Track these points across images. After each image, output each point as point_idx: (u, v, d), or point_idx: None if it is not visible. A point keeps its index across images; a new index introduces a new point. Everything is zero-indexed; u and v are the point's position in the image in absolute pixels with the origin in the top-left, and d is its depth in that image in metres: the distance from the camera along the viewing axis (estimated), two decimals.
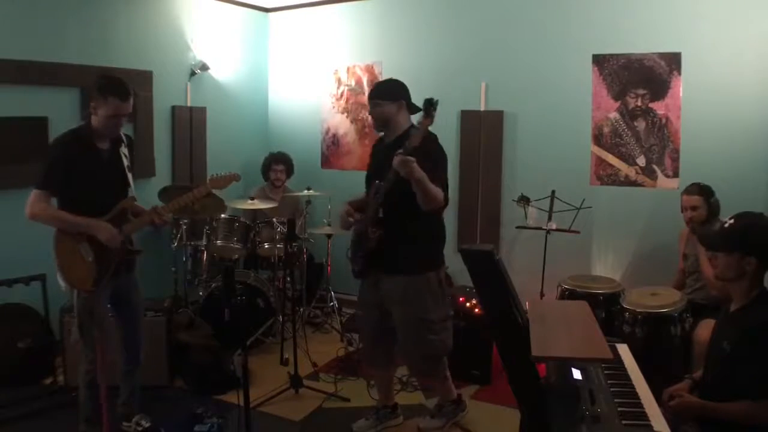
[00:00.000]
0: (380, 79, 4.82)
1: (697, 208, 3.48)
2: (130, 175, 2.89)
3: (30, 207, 2.67)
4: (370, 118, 3.12)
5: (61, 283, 2.76)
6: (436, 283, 2.98)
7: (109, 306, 2.93)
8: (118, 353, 3.00)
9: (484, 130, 4.68)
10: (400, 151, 2.67)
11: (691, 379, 2.30)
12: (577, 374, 1.98)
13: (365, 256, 3.00)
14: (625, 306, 3.47)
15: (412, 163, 2.64)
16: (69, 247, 2.73)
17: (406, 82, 5.12)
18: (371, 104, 3.00)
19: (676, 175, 4.09)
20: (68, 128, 2.87)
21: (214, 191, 3.20)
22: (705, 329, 3.04)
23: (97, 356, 2.66)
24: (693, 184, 3.55)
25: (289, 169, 5.21)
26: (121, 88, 2.73)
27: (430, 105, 2.69)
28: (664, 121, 4.11)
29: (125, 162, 2.87)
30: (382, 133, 3.11)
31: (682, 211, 3.59)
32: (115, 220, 2.80)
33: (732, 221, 2.14)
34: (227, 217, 4.48)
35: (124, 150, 2.88)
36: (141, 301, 3.11)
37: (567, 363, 2.00)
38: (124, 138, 2.91)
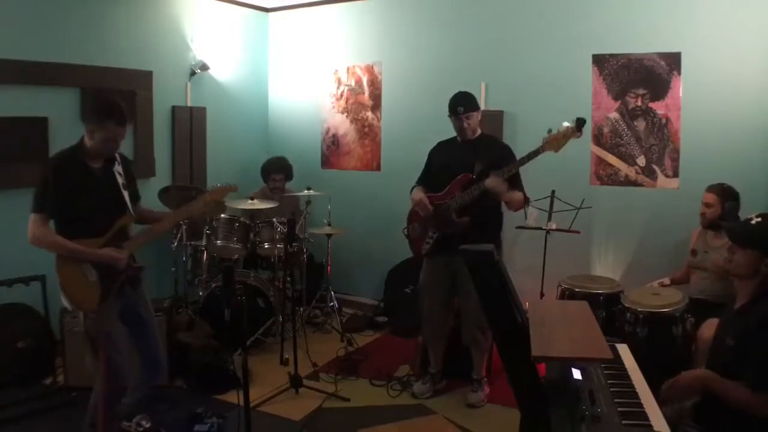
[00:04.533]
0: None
1: (710, 206, 3.55)
2: (126, 193, 2.85)
3: (31, 233, 2.65)
4: (460, 128, 3.53)
5: (66, 304, 2.74)
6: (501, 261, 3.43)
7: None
8: (134, 368, 2.95)
9: (484, 129, 4.65)
10: (498, 172, 3.25)
11: None
12: (577, 374, 1.97)
13: (439, 239, 3.50)
14: (626, 305, 3.47)
15: (504, 187, 3.28)
16: (72, 267, 2.70)
17: (406, 82, 5.23)
18: (464, 118, 3.45)
19: (675, 175, 4.09)
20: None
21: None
22: (708, 329, 3.04)
23: (104, 376, 2.66)
24: (718, 183, 3.58)
25: (289, 176, 5.21)
26: (118, 113, 2.69)
27: (581, 123, 3.17)
28: (664, 121, 4.11)
29: (120, 180, 2.83)
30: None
31: None
32: (115, 239, 2.78)
33: (759, 219, 2.13)
34: (227, 217, 4.48)
35: (118, 168, 2.84)
36: (152, 315, 3.06)
37: (567, 363, 2.00)
38: (118, 157, 2.86)
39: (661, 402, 2.03)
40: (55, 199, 2.65)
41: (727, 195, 3.52)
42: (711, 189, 3.58)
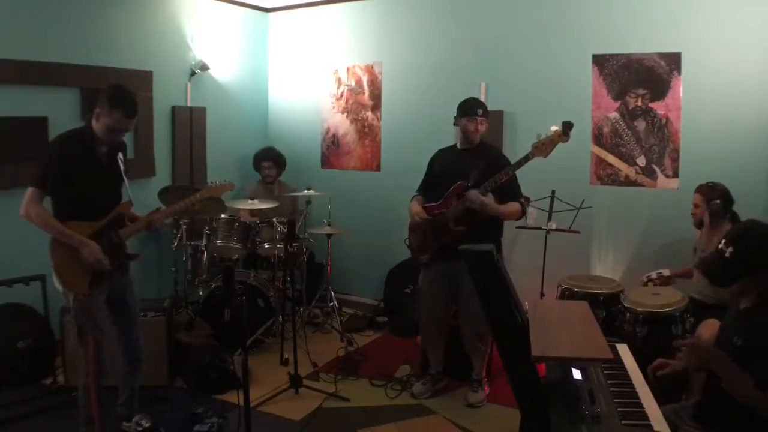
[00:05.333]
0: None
1: (698, 207, 3.55)
2: (126, 181, 2.89)
3: (24, 207, 2.66)
4: (465, 132, 3.53)
5: (57, 286, 2.76)
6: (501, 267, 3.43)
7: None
8: (118, 354, 3.00)
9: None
10: (475, 191, 3.27)
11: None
12: (577, 374, 1.98)
13: (439, 247, 3.47)
14: (626, 305, 3.47)
15: (484, 201, 3.27)
16: (66, 250, 2.71)
17: (406, 82, 5.23)
18: (479, 121, 3.47)
19: (675, 175, 4.09)
20: (68, 128, 2.86)
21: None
22: (706, 329, 3.03)
23: (93, 359, 2.67)
24: (707, 183, 3.57)
25: (278, 164, 5.22)
26: (129, 105, 2.71)
27: (567, 127, 3.19)
28: (664, 121, 4.11)
29: (122, 167, 2.87)
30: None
31: None
32: (112, 225, 2.79)
33: (731, 249, 1.96)
34: (227, 217, 4.48)
35: (121, 156, 2.88)
36: (136, 303, 3.10)
37: (567, 363, 2.00)
38: (123, 145, 2.93)
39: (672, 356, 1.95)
40: (57, 176, 2.65)
41: (712, 194, 3.48)
42: (698, 189, 3.58)
